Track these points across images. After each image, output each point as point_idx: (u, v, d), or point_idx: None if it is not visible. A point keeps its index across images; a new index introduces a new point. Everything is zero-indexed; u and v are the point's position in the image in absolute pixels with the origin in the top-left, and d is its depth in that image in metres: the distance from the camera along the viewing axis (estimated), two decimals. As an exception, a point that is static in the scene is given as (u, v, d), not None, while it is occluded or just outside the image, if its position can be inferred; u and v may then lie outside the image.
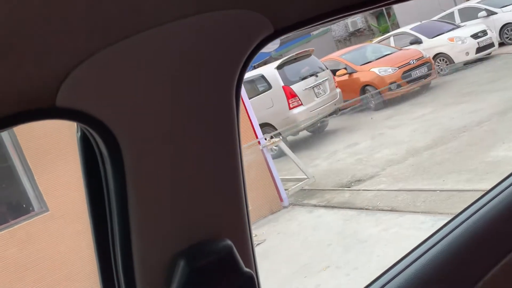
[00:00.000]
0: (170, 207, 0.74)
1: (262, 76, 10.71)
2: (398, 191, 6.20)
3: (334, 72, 12.01)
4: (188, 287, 0.74)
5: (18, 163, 5.59)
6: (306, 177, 7.58)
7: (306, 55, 11.26)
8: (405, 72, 11.69)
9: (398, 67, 11.77)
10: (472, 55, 12.69)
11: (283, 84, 10.42)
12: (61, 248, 5.47)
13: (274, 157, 8.58)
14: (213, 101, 0.74)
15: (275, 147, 8.76)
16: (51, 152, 5.56)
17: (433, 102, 10.54)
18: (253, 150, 6.98)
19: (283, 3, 0.74)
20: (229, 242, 0.77)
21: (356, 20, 24.01)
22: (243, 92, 6.74)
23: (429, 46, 13.16)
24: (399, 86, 11.60)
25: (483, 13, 14.16)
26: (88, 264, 4.80)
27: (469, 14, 14.65)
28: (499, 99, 8.53)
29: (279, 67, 10.60)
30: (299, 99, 10.41)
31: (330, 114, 11.15)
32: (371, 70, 12.00)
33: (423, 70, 11.88)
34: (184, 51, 0.68)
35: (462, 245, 1.19)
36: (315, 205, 6.84)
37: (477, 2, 14.72)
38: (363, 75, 12.09)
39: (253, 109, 7.43)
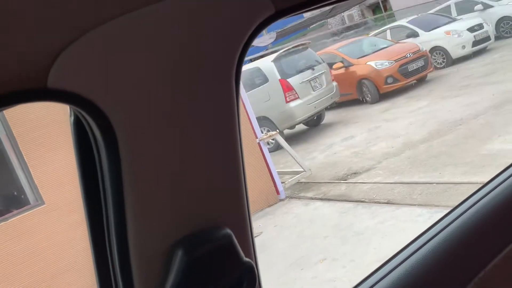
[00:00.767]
0: (168, 194, 0.71)
1: (259, 69, 10.68)
2: (394, 184, 6.20)
3: (330, 65, 11.98)
4: (186, 277, 0.71)
5: (13, 156, 5.55)
6: (302, 170, 7.59)
7: (303, 48, 11.23)
8: (401, 65, 11.67)
9: (394, 60, 11.75)
10: (469, 49, 12.69)
11: (280, 77, 10.40)
12: (57, 241, 5.45)
13: (271, 150, 8.58)
14: (212, 82, 0.71)
15: (271, 140, 8.75)
16: (46, 144, 5.53)
17: (429, 95, 10.54)
18: (250, 143, 6.96)
19: None
20: (229, 230, 0.75)
21: (353, 14, 23.97)
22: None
23: (426, 40, 13.14)
24: (395, 79, 11.59)
25: (480, 6, 14.13)
26: (84, 256, 4.79)
27: (465, 7, 14.61)
28: (495, 92, 8.54)
29: (275, 60, 10.57)
30: (296, 93, 10.37)
31: (327, 108, 11.15)
32: (367, 63, 11.97)
33: (420, 63, 11.87)
34: (182, 31, 0.66)
35: (462, 236, 1.18)
36: (311, 198, 6.84)
37: (474, -4, 14.72)
38: (359, 69, 12.06)
39: (249, 102, 7.41)
